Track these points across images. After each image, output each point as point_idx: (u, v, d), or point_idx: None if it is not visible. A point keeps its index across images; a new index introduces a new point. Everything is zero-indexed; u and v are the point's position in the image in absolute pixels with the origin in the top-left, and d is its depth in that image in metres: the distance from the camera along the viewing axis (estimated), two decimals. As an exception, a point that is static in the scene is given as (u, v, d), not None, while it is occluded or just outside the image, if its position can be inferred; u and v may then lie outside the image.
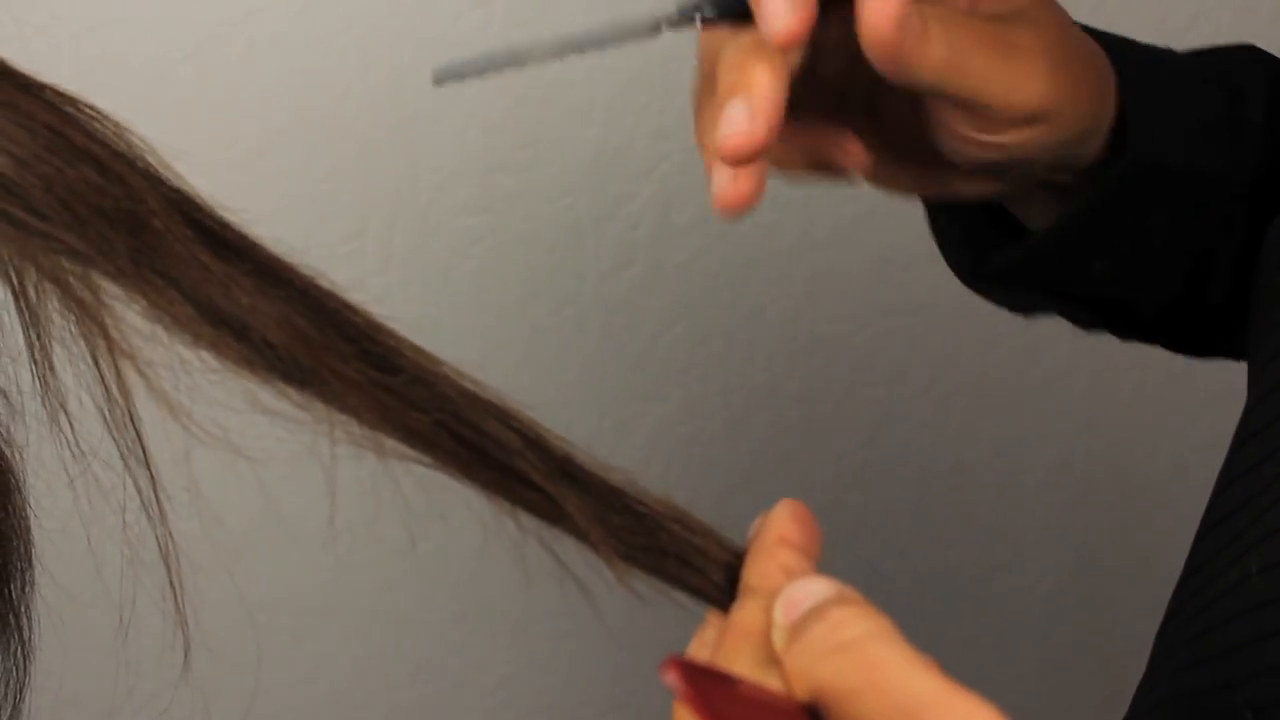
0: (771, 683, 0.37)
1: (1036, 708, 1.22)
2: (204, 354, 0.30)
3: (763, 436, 1.10)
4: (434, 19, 0.97)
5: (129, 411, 0.31)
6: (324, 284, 0.33)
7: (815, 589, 0.37)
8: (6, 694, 0.32)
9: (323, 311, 0.33)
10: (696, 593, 0.42)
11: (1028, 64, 0.50)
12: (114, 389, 0.30)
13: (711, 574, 0.42)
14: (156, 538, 0.32)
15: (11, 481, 0.30)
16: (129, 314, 0.29)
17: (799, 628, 0.36)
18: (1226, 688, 0.49)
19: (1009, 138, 0.51)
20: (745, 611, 0.39)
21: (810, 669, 0.35)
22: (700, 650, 0.42)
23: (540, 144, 1.00)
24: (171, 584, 0.33)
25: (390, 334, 0.35)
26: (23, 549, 0.31)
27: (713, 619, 0.42)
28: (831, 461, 1.11)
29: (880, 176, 0.55)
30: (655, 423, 1.09)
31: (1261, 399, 0.54)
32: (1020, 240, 0.59)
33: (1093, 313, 0.63)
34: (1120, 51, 0.57)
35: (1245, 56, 0.62)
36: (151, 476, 0.31)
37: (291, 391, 0.31)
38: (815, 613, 0.36)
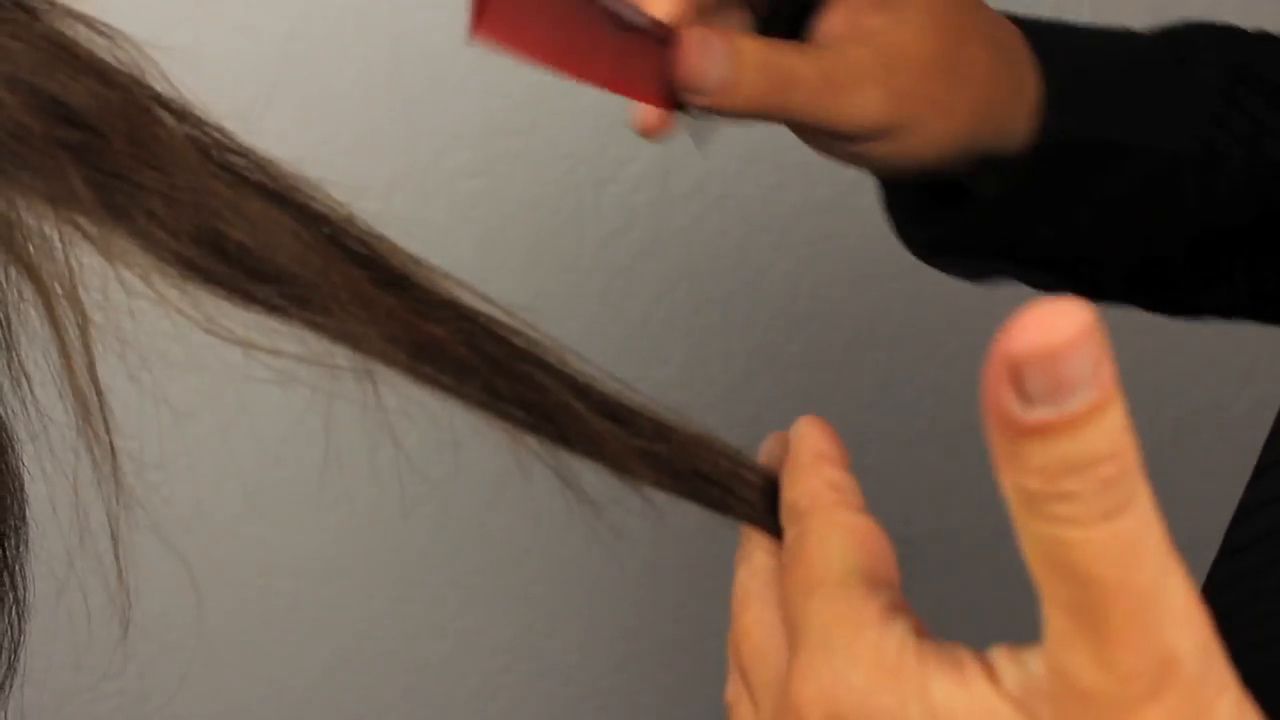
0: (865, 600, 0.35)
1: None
2: (202, 289, 0.29)
3: (764, 400, 1.10)
4: (433, -20, 0.96)
5: (91, 377, 0.30)
6: (327, 198, 0.32)
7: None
8: (1, 654, 0.31)
9: (331, 224, 0.32)
10: (738, 516, 0.41)
11: (855, 93, 0.52)
12: (76, 349, 0.29)
13: (750, 496, 0.40)
14: (105, 503, 0.31)
15: (4, 437, 0.29)
16: (118, 270, 0.29)
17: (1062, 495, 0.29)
18: None
19: (863, 150, 0.53)
20: (817, 547, 0.37)
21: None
22: (753, 579, 0.40)
23: (541, 106, 1.00)
24: (116, 556, 0.32)
25: (397, 247, 0.34)
26: (16, 507, 0.30)
27: (758, 542, 0.41)
28: (832, 425, 1.11)
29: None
30: (655, 387, 1.08)
31: None
32: (957, 211, 0.60)
33: (1050, 275, 0.63)
34: (1049, 40, 0.58)
35: (1202, 34, 0.62)
36: (112, 446, 0.30)
37: (296, 313, 0.30)
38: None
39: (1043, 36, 0.58)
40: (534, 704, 1.18)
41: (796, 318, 1.09)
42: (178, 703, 1.10)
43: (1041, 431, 0.28)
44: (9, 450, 0.29)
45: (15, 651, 0.32)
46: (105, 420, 0.30)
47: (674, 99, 0.51)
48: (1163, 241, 0.61)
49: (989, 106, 0.55)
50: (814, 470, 0.40)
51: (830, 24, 0.53)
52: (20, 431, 0.31)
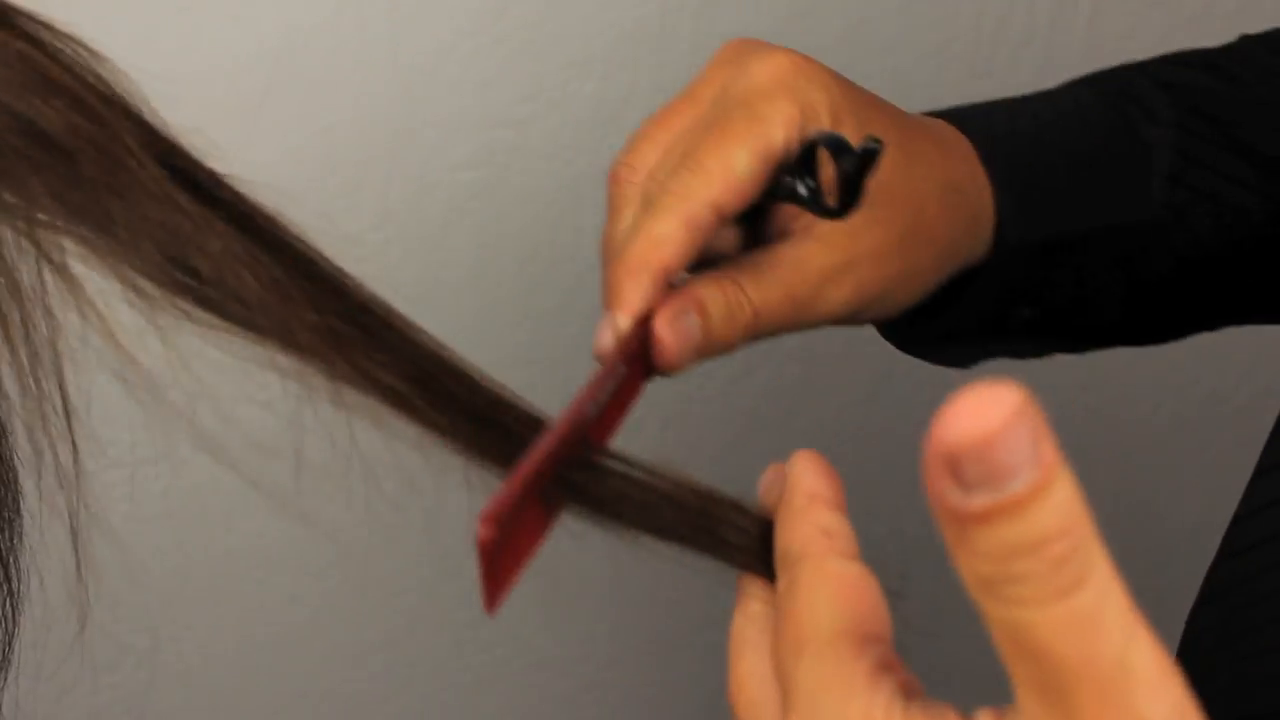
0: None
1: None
2: (167, 307, 0.29)
3: (762, 393, 1.10)
4: (431, -29, 0.96)
5: (58, 376, 0.29)
6: (297, 235, 0.32)
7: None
8: (-5, 646, 0.31)
9: (297, 264, 0.31)
10: (732, 562, 0.40)
11: (820, 301, 0.53)
12: (44, 350, 0.29)
13: (744, 542, 0.40)
14: (66, 501, 0.30)
15: (-1, 427, 0.29)
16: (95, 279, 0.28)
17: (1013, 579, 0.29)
18: None
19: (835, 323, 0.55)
20: (805, 602, 0.37)
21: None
22: (749, 626, 0.40)
23: (538, 98, 0.99)
24: (76, 550, 0.31)
25: (373, 297, 0.33)
26: (10, 499, 0.30)
27: (754, 589, 0.40)
28: (831, 419, 1.11)
29: None
30: (654, 380, 1.08)
31: None
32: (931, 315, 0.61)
33: (1035, 344, 0.64)
34: (996, 142, 0.58)
35: (1146, 80, 0.63)
36: (74, 444, 0.30)
37: (257, 341, 0.30)
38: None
39: (990, 139, 0.58)
40: (531, 697, 1.18)
41: (795, 310, 1.09)
42: (176, 696, 1.10)
43: (986, 517, 0.28)
44: (3, 440, 0.29)
45: (9, 644, 0.32)
46: (68, 417, 0.30)
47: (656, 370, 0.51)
48: (1140, 294, 0.62)
49: (951, 254, 0.56)
50: (806, 515, 0.39)
51: (790, 212, 0.53)
52: (16, 423, 0.30)
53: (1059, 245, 0.58)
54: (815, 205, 0.50)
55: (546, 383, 1.06)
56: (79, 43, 0.29)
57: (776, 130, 0.50)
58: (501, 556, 0.33)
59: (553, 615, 1.15)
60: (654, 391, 1.09)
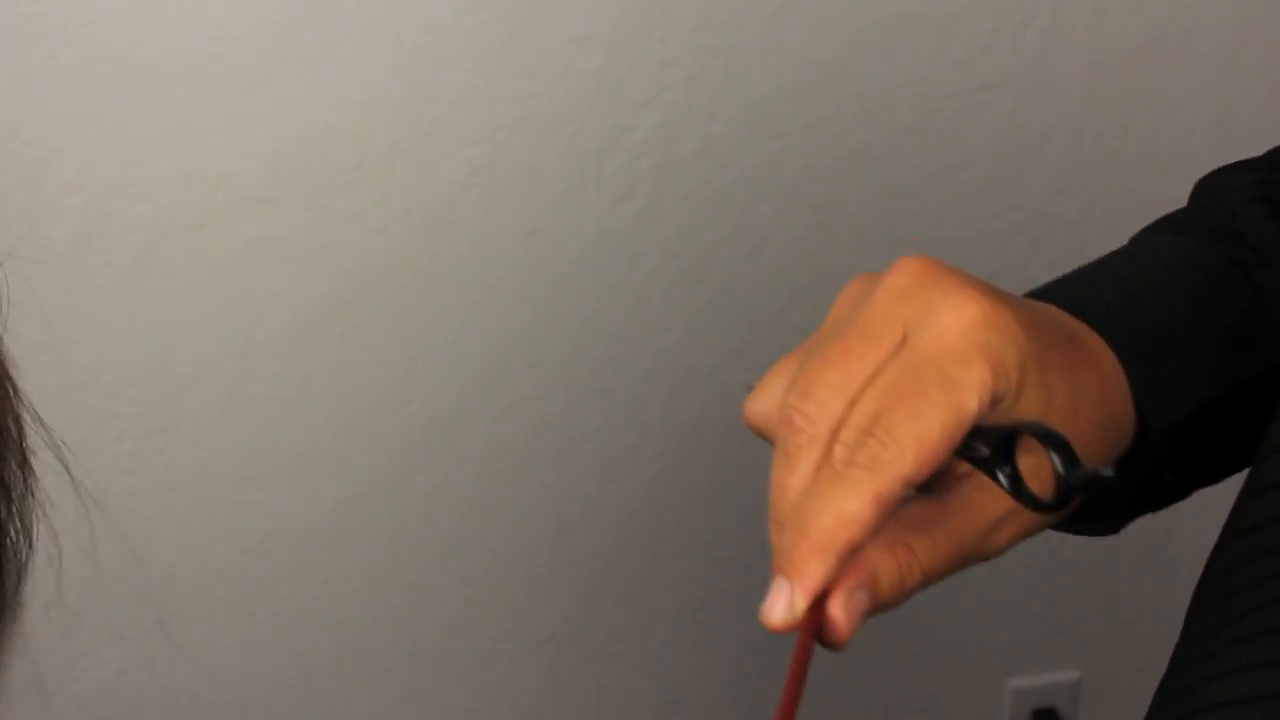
0: None
1: (1036, 649, 1.22)
2: None
3: (765, 369, 1.10)
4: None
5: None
6: None
7: None
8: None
9: None
10: None
11: (987, 547, 0.52)
12: None
13: None
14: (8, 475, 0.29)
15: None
16: None
17: None
18: None
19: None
20: None
21: None
22: None
23: (542, 73, 0.99)
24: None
25: None
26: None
27: None
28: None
29: None
30: (658, 355, 1.08)
31: None
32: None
33: (1177, 497, 0.64)
34: (1121, 328, 0.57)
35: (1247, 209, 0.61)
36: (19, 420, 0.29)
37: None
38: None
39: (1113, 324, 0.57)
40: (533, 671, 1.18)
41: (798, 286, 1.09)
42: (179, 668, 1.10)
43: None
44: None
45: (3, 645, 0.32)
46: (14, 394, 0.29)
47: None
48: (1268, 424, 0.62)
49: (1102, 463, 0.55)
50: None
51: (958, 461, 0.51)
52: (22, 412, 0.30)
53: (1196, 417, 0.58)
54: (1019, 495, 0.48)
55: (550, 359, 1.06)
56: None
57: (971, 398, 0.48)
58: None
59: (555, 590, 1.15)
60: (658, 366, 1.09)
